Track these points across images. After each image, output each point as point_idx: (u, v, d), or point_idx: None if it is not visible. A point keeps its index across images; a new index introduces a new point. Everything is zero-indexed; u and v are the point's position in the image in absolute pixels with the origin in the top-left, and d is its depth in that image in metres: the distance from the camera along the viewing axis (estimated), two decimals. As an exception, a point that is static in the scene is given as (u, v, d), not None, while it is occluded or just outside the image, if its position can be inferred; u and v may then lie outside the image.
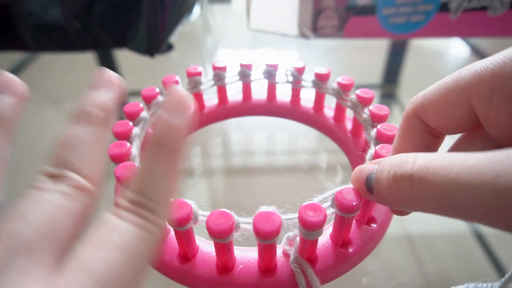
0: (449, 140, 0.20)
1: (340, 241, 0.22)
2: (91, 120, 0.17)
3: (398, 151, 0.20)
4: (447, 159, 0.14)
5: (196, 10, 0.56)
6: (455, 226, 0.32)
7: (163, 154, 0.15)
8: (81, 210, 0.15)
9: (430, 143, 0.19)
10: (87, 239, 0.13)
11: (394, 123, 0.25)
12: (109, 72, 0.18)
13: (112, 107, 0.18)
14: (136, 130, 0.27)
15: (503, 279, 0.19)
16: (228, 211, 0.19)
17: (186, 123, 0.16)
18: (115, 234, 0.14)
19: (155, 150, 0.15)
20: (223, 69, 0.34)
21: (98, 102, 0.17)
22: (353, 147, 0.31)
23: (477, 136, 0.18)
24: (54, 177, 0.15)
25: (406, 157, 0.16)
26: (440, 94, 0.17)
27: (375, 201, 0.19)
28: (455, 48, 0.63)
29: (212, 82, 0.34)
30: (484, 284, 0.21)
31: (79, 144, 0.16)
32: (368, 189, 0.18)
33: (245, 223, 0.20)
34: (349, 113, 0.33)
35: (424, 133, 0.19)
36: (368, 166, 0.18)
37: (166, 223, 0.15)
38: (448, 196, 0.14)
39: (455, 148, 0.19)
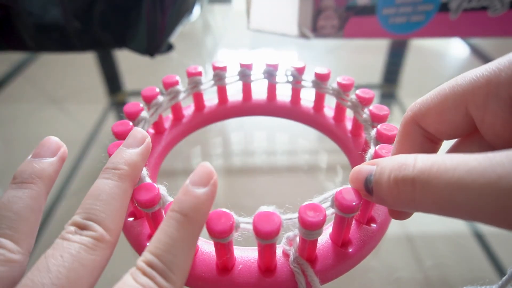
0: (447, 144, 0.20)
1: (340, 241, 0.22)
2: (119, 175, 0.19)
3: None
4: (448, 162, 0.14)
5: (196, 10, 0.56)
6: (455, 226, 0.32)
7: (186, 225, 0.16)
8: (98, 261, 0.16)
9: (429, 148, 0.20)
10: None
11: (394, 123, 0.25)
12: (138, 130, 0.21)
13: (140, 164, 0.20)
14: (136, 130, 0.27)
15: (500, 282, 0.19)
16: (228, 211, 0.19)
17: (212, 198, 0.18)
18: None
19: (178, 218, 0.16)
20: (223, 69, 0.34)
21: (127, 158, 0.19)
22: (353, 147, 0.31)
23: (473, 141, 0.18)
24: (80, 227, 0.17)
25: (406, 160, 0.16)
26: (438, 101, 0.18)
27: (374, 201, 0.19)
28: (455, 48, 0.63)
29: (212, 82, 0.34)
30: (483, 287, 0.21)
31: (107, 198, 0.18)
32: (368, 190, 0.18)
33: (245, 223, 0.20)
34: (349, 113, 0.33)
35: (422, 139, 0.19)
36: (366, 167, 0.18)
37: None
38: (451, 199, 0.14)
39: (452, 152, 0.19)
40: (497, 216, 0.13)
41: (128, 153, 0.20)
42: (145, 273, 0.15)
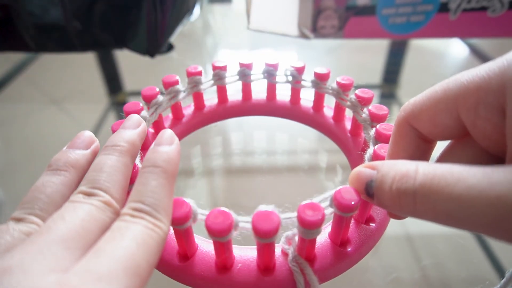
0: (442, 144, 0.20)
1: (339, 240, 0.22)
2: (120, 151, 0.20)
3: (392, 157, 0.21)
4: (448, 176, 0.15)
5: (196, 10, 0.56)
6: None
7: (160, 174, 0.18)
8: (106, 222, 0.17)
9: (423, 148, 0.20)
10: (101, 239, 0.16)
11: (394, 123, 0.25)
12: (135, 115, 0.23)
13: (137, 143, 0.21)
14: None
15: (498, 285, 0.19)
16: (226, 210, 0.19)
17: (178, 153, 0.20)
18: (125, 230, 0.16)
19: (152, 170, 0.18)
20: (223, 68, 0.34)
21: (126, 137, 0.21)
22: (352, 147, 0.31)
23: (467, 144, 0.18)
24: (87, 194, 0.18)
25: (407, 171, 0.16)
26: (430, 104, 0.18)
27: (375, 205, 0.19)
28: (455, 48, 0.63)
29: (212, 81, 0.34)
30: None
31: (109, 169, 0.19)
32: (369, 194, 0.18)
33: (244, 222, 0.20)
34: (348, 113, 0.33)
35: (416, 139, 0.19)
36: (367, 172, 0.18)
37: (167, 229, 0.17)
38: (451, 213, 0.14)
39: (445, 154, 0.20)
40: (496, 230, 0.14)
41: (126, 132, 0.21)
42: (133, 216, 0.16)
